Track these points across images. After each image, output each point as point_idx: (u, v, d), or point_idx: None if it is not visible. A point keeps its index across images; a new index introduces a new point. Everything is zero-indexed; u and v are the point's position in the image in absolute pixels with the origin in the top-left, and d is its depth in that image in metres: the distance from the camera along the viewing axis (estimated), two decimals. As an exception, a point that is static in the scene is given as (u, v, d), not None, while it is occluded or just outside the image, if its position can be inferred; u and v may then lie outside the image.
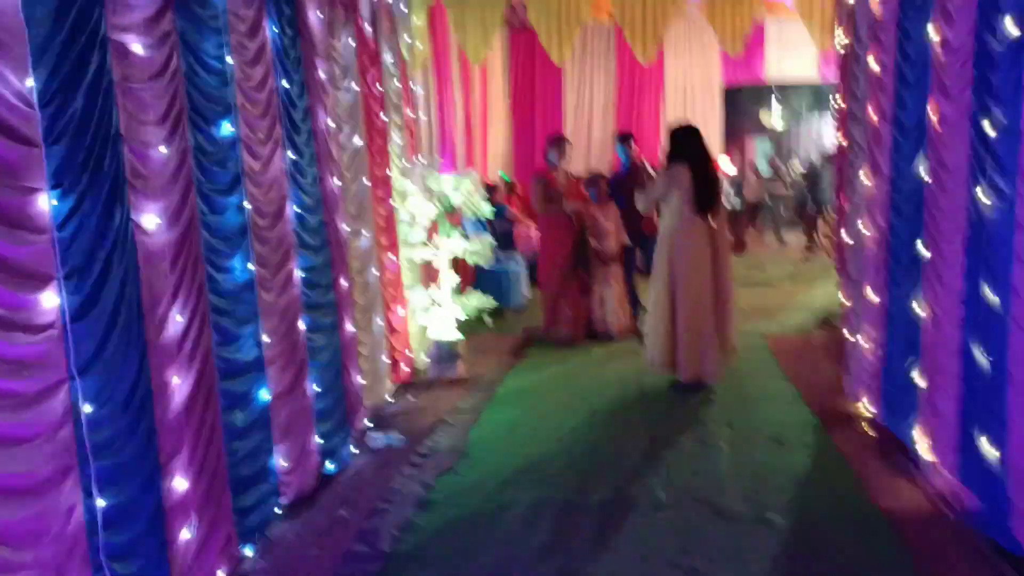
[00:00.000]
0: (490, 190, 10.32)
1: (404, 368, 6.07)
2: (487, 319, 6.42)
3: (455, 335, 6.26)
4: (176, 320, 2.97)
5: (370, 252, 5.46)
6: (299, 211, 4.26)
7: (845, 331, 5.84)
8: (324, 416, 4.38)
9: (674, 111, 13.41)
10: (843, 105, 6.06)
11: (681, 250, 5.72)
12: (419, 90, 7.33)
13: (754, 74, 13.67)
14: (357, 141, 5.28)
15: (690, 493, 4.16)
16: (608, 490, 4.21)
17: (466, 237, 6.50)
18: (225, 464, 3.32)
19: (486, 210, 6.41)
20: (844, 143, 5.97)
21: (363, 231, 5.34)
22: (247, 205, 3.66)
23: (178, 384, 2.96)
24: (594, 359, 6.92)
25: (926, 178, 3.98)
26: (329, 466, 4.39)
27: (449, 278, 6.29)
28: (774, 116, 16.32)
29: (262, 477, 3.66)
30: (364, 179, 5.42)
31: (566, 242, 7.35)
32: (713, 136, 13.62)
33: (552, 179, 7.36)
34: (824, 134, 17.03)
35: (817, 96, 16.17)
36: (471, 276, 8.22)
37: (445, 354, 6.20)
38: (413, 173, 6.16)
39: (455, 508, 4.07)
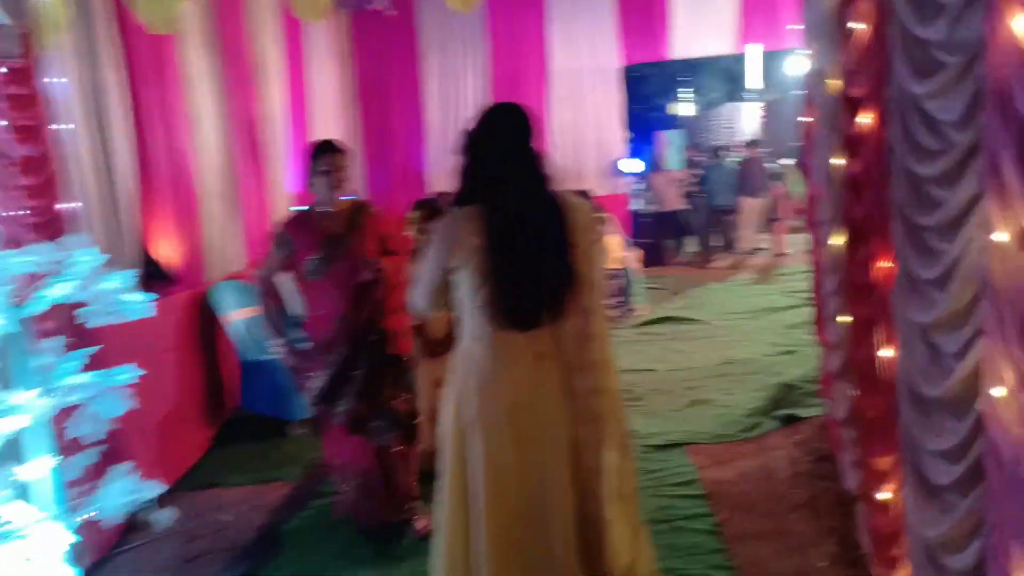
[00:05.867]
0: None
1: None
2: (153, 521, 3.03)
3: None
4: None
5: None
6: None
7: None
8: None
9: (562, 103, 10.05)
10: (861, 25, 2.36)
11: (479, 405, 2.39)
12: (57, 80, 3.77)
13: (657, 51, 10.37)
14: None
15: None
16: None
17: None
18: None
19: (138, 306, 2.91)
20: (867, 121, 2.32)
21: None
22: None
23: None
24: None
25: None
26: None
27: (41, 464, 2.80)
28: (683, 102, 13.11)
29: None
30: None
31: (343, 328, 3.47)
32: (613, 131, 10.30)
33: (313, 219, 3.48)
34: (739, 120, 14.00)
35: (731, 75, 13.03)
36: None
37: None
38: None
39: None
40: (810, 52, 3.48)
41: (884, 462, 2.28)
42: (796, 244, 10.66)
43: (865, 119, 2.18)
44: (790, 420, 4.64)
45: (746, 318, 7.50)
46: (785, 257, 10.61)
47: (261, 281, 3.58)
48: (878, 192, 2.12)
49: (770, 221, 11.24)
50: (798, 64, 9.95)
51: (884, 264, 2.13)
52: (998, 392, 1.47)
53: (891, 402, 2.18)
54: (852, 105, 2.32)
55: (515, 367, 2.37)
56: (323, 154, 3.46)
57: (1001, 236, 1.46)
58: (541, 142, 2.45)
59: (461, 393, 2.47)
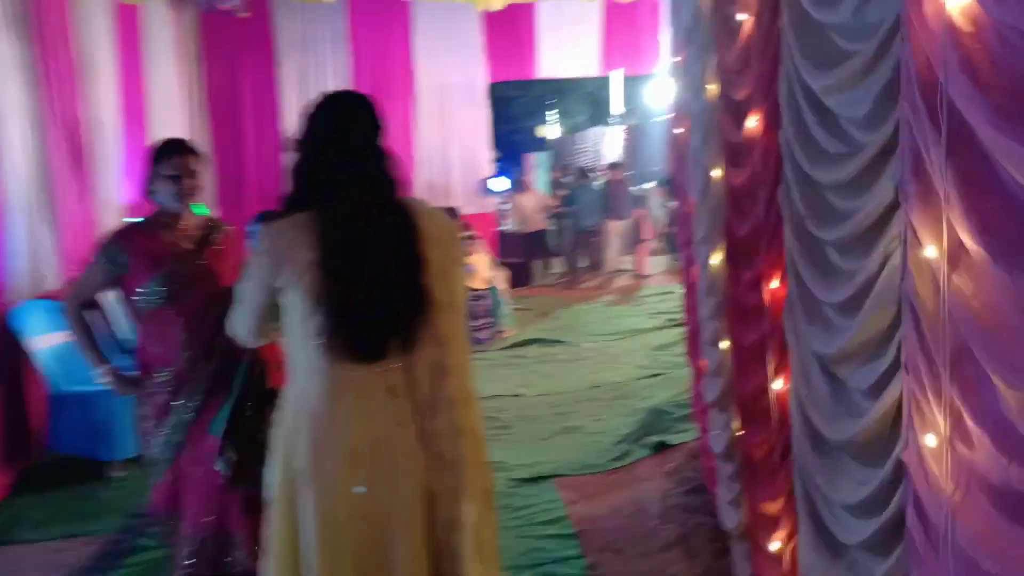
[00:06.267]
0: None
1: None
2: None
3: None
4: None
5: None
6: None
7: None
8: None
9: (428, 120, 9.69)
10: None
11: (311, 453, 1.95)
12: None
13: (524, 70, 10.21)
14: None
15: None
16: None
17: None
18: None
19: None
20: (754, 124, 2.02)
21: None
22: None
23: None
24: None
25: None
26: None
27: None
28: (550, 124, 13.07)
29: None
30: None
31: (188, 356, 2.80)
32: (480, 149, 10.02)
33: (154, 233, 2.81)
34: (603, 143, 14.10)
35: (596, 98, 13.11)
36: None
37: None
38: None
39: None
40: (678, 59, 3.28)
41: (772, 507, 2.02)
42: (658, 265, 10.78)
43: (751, 123, 1.94)
44: (660, 447, 4.44)
45: (613, 340, 7.37)
46: (647, 278, 10.68)
47: (75, 299, 2.91)
48: (767, 204, 1.87)
49: (633, 243, 11.32)
50: (659, 88, 10.08)
51: (774, 285, 1.89)
52: (929, 440, 1.21)
53: (781, 440, 1.93)
54: (735, 109, 2.08)
55: (357, 406, 1.95)
56: (170, 155, 2.76)
57: (929, 252, 1.21)
58: (389, 140, 2.05)
59: (290, 439, 2.03)
